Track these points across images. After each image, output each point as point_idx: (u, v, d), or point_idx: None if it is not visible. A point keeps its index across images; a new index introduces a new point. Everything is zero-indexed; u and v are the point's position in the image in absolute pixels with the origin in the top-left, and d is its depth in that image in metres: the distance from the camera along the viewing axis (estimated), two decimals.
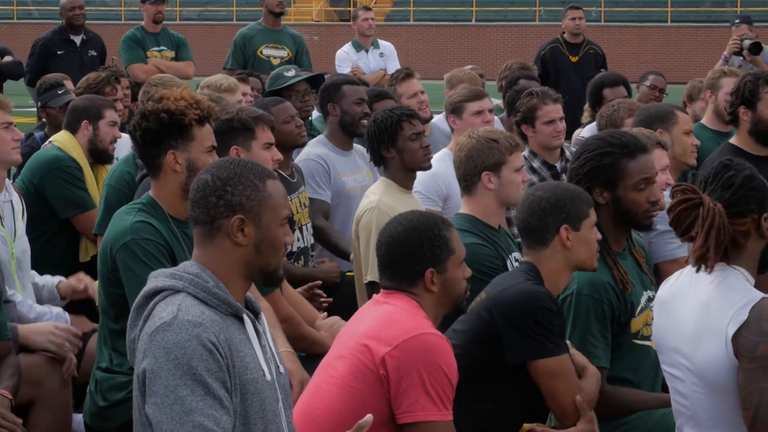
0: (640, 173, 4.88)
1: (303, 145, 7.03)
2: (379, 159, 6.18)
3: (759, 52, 11.54)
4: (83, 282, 5.82)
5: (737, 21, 12.39)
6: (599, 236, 4.62)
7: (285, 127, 6.65)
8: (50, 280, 5.96)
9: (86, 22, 12.40)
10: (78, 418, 5.44)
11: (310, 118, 8.58)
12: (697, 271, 3.97)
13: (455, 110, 7.34)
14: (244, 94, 8.11)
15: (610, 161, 4.87)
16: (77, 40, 12.10)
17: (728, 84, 8.15)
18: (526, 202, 4.59)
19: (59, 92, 8.20)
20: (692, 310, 3.98)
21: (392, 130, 6.10)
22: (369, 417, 3.38)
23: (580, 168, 4.90)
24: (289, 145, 6.71)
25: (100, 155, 7.10)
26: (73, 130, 7.11)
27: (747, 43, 11.54)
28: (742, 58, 11.67)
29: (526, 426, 4.52)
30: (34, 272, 6.00)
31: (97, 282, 5.78)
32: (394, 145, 6.11)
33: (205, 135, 4.79)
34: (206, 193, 3.48)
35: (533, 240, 4.56)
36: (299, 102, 7.99)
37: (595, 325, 4.72)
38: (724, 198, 3.93)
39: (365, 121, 7.36)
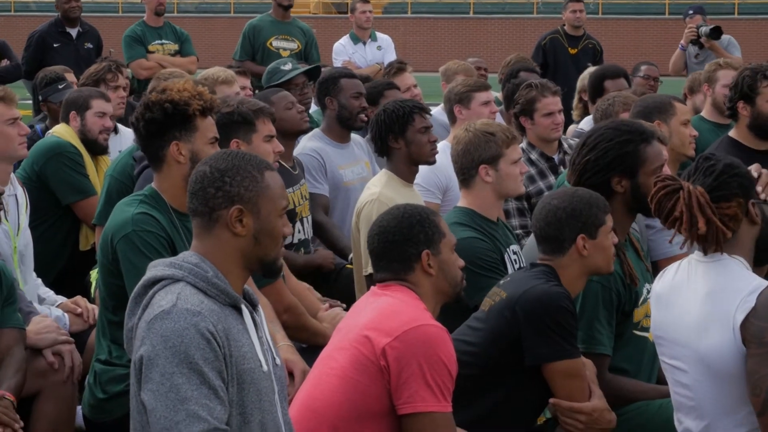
0: (658, 158, 4.91)
1: (307, 130, 7.04)
2: (384, 149, 6.19)
3: (719, 36, 11.53)
4: (80, 308, 5.76)
5: (690, 12, 12.36)
6: (616, 240, 4.64)
7: (287, 113, 6.68)
8: (52, 298, 5.93)
9: (83, 14, 12.39)
10: (77, 411, 5.45)
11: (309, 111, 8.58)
12: (706, 253, 3.97)
13: (462, 100, 7.35)
14: (243, 88, 8.12)
15: (632, 149, 4.87)
16: (73, 32, 12.08)
17: (725, 76, 8.17)
18: (543, 210, 4.60)
19: (60, 86, 8.22)
20: (695, 301, 3.98)
21: (403, 120, 6.11)
22: None
23: (601, 158, 4.88)
24: (292, 132, 6.75)
25: (91, 146, 7.12)
26: (66, 122, 7.15)
27: (705, 29, 11.53)
28: (698, 47, 11.68)
29: (541, 418, 4.57)
30: (39, 281, 5.99)
31: (93, 303, 5.79)
32: (403, 136, 6.12)
33: (208, 126, 4.80)
34: (205, 184, 3.49)
35: (550, 248, 4.58)
36: (298, 95, 7.98)
37: (603, 313, 4.75)
38: (706, 183, 3.95)
39: (363, 116, 7.38)
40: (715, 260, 3.97)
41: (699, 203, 3.91)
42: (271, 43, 11.45)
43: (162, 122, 4.74)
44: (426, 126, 6.14)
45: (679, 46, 11.83)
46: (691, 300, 4.00)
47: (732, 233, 3.97)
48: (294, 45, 11.53)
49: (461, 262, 4.23)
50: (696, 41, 11.64)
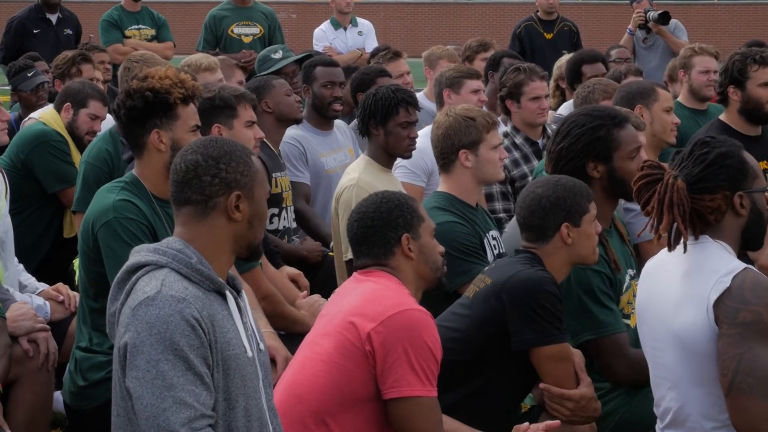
0: (633, 142, 4.93)
1: (300, 120, 7.04)
2: (366, 131, 6.19)
3: (668, 21, 11.59)
4: (61, 295, 5.74)
5: None
6: (599, 228, 4.66)
7: (286, 100, 6.75)
8: (34, 285, 5.91)
9: (63, 0, 12.34)
10: (57, 397, 5.44)
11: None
12: (670, 250, 3.98)
13: (453, 84, 7.35)
14: (240, 83, 8.05)
15: (605, 133, 4.90)
16: (53, 18, 12.00)
17: (700, 62, 8.23)
18: (527, 199, 4.61)
19: (29, 74, 8.20)
20: (675, 279, 4.00)
21: (387, 111, 6.07)
22: None
23: (574, 144, 4.90)
24: (288, 118, 6.79)
25: (75, 141, 7.08)
26: (58, 108, 7.11)
27: (654, 14, 11.58)
28: (646, 31, 11.74)
29: (525, 406, 4.59)
30: (21, 266, 5.98)
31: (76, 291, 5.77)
32: (383, 126, 6.09)
33: (190, 114, 4.79)
34: (199, 172, 3.48)
35: (534, 236, 4.60)
36: (289, 84, 7.96)
37: (604, 297, 4.75)
38: (693, 173, 3.94)
39: (337, 105, 7.39)
40: (699, 242, 3.98)
41: (671, 201, 3.91)
42: (232, 30, 11.39)
43: (142, 110, 4.72)
44: (409, 121, 6.10)
45: (627, 30, 11.89)
46: (672, 278, 4.02)
47: (708, 224, 3.97)
48: (256, 30, 11.45)
49: (441, 248, 4.25)
50: (644, 26, 11.70)
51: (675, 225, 3.92)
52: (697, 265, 3.94)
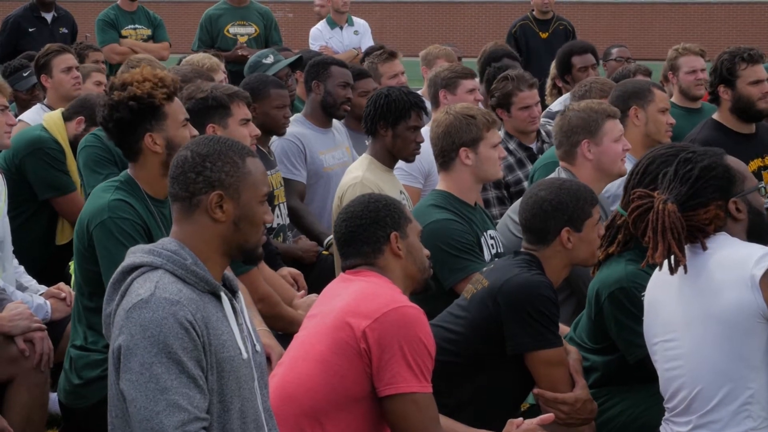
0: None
1: (282, 135, 7.02)
2: (372, 130, 6.16)
3: None
4: (63, 292, 5.73)
5: None
6: (602, 231, 4.65)
7: (276, 112, 6.73)
8: (35, 287, 5.89)
9: None
10: (53, 397, 5.43)
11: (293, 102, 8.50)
12: (672, 273, 4.02)
13: (449, 85, 7.34)
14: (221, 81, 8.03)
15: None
16: (48, 17, 11.97)
17: (686, 63, 8.28)
18: (530, 201, 4.61)
19: (24, 74, 8.16)
20: (703, 272, 4.02)
21: (399, 113, 6.05)
22: None
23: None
24: (271, 131, 6.76)
25: (74, 152, 7.02)
26: (69, 117, 7.04)
27: None
28: None
29: (525, 405, 4.58)
30: (21, 268, 5.95)
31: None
32: (393, 128, 6.07)
33: (177, 110, 4.78)
34: (185, 169, 3.48)
35: (534, 238, 4.60)
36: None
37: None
38: (682, 193, 4.02)
39: (347, 105, 7.37)
40: (715, 240, 4.03)
41: (664, 226, 3.98)
42: (227, 30, 11.37)
43: (131, 120, 4.71)
44: (417, 126, 6.09)
45: None
46: (691, 275, 4.03)
47: (710, 234, 4.04)
48: (251, 30, 11.43)
49: (427, 251, 4.25)
50: None
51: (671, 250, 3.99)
52: (730, 253, 3.98)
